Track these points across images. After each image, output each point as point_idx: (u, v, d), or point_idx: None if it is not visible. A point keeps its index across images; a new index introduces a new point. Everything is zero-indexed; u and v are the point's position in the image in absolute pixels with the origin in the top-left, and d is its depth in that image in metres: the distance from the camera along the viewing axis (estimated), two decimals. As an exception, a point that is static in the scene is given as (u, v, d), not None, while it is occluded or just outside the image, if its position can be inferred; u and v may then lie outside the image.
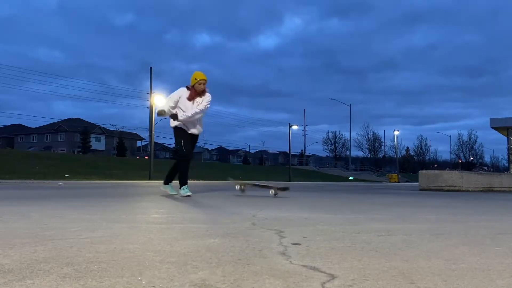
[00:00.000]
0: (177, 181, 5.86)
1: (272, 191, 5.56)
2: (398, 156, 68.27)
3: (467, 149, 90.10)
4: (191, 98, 5.62)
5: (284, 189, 5.82)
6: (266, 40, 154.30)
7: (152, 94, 27.72)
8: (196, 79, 5.61)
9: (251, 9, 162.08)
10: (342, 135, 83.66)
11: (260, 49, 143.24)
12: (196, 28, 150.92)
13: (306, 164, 73.48)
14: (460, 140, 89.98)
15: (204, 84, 5.64)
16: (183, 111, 5.63)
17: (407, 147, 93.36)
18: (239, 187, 5.90)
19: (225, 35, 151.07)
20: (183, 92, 5.68)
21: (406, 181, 53.05)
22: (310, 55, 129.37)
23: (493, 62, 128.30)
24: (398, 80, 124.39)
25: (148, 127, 29.94)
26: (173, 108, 5.72)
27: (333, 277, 1.22)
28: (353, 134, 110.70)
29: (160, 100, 27.91)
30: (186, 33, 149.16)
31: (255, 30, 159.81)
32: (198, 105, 5.65)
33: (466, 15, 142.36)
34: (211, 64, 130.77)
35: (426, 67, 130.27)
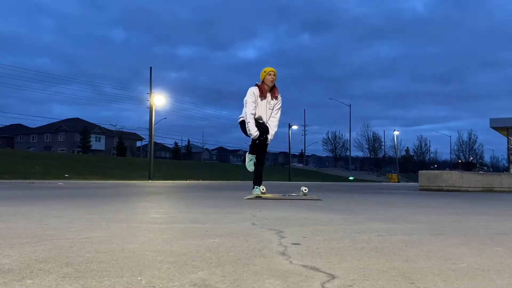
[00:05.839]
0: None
1: None
2: (398, 156, 68.22)
3: (467, 149, 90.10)
4: (263, 96, 5.44)
5: None
6: (244, 52, 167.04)
7: (152, 94, 27.71)
8: (265, 71, 5.44)
9: (228, 25, 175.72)
10: (342, 135, 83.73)
11: (240, 59, 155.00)
12: (180, 41, 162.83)
13: (306, 164, 73.48)
14: (460, 140, 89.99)
15: (274, 75, 5.44)
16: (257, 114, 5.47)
17: (407, 147, 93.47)
18: None
19: (207, 47, 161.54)
20: (256, 90, 5.45)
21: (406, 181, 53.04)
22: (288, 65, 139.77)
23: (458, 71, 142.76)
24: (376, 87, 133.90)
25: (148, 127, 29.93)
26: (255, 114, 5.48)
27: (333, 277, 1.22)
28: (352, 134, 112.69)
29: (160, 100, 27.95)
30: (172, 46, 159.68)
31: (233, 43, 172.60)
32: (270, 107, 5.50)
33: (423, 31, 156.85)
34: (197, 72, 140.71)
35: (400, 75, 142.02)
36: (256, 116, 5.46)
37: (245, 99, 5.46)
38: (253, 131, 5.35)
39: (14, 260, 1.38)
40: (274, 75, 5.48)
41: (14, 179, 17.14)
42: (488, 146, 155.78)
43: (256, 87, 5.47)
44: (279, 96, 5.64)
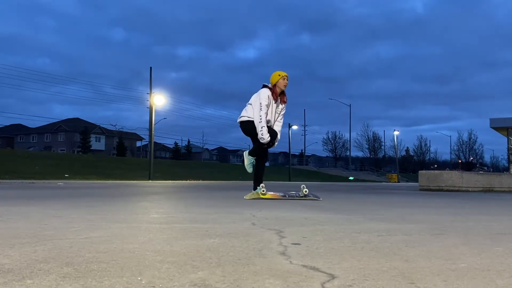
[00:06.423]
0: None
1: None
2: (398, 156, 68.25)
3: (467, 149, 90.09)
4: (274, 99, 5.44)
5: None
6: (244, 52, 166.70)
7: (152, 94, 27.71)
8: (279, 75, 5.40)
9: (228, 25, 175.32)
10: (342, 135, 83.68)
11: (240, 59, 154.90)
12: (180, 41, 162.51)
13: (306, 164, 73.48)
14: (460, 140, 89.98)
15: (287, 79, 5.44)
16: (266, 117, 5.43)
17: (407, 147, 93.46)
18: None
19: (206, 48, 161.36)
20: (270, 94, 5.40)
21: (406, 181, 53.04)
22: (288, 65, 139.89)
23: (458, 71, 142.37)
24: (376, 87, 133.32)
25: (148, 127, 29.93)
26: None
27: (333, 277, 1.22)
28: (352, 134, 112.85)
29: (160, 100, 27.94)
30: (172, 46, 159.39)
31: (233, 43, 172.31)
32: (277, 111, 5.53)
33: (423, 31, 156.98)
34: (197, 72, 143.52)
35: (400, 75, 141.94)
36: None
37: (256, 100, 5.37)
38: (266, 136, 5.31)
39: (14, 260, 1.38)
40: (288, 79, 5.46)
41: (14, 179, 17.14)
42: (488, 146, 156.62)
43: (269, 90, 5.41)
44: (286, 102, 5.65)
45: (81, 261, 1.38)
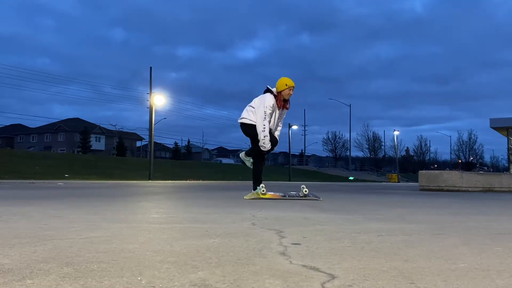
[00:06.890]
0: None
1: None
2: (398, 156, 68.25)
3: (467, 149, 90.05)
4: (280, 106, 5.47)
5: None
6: (244, 52, 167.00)
7: (152, 94, 27.71)
8: (286, 85, 5.37)
9: (228, 25, 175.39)
10: (342, 135, 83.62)
11: (240, 60, 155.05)
12: (180, 41, 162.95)
13: (306, 164, 73.48)
14: (460, 140, 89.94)
15: (293, 90, 5.46)
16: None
17: (407, 147, 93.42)
18: None
19: (206, 48, 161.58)
20: (275, 102, 5.40)
21: (406, 181, 53.03)
22: (288, 65, 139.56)
23: (458, 71, 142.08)
24: (376, 87, 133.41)
25: (148, 127, 29.94)
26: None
27: (333, 277, 1.22)
28: (352, 134, 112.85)
29: (160, 100, 27.95)
30: (172, 46, 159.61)
31: (233, 43, 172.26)
32: (280, 117, 5.59)
33: (422, 31, 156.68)
34: (197, 72, 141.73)
35: (399, 75, 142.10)
36: None
37: (260, 106, 5.34)
38: (268, 146, 5.35)
39: (14, 260, 1.38)
40: (293, 90, 5.47)
41: (14, 179, 17.14)
42: (488, 146, 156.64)
43: (274, 98, 5.41)
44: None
45: (81, 261, 1.38)
